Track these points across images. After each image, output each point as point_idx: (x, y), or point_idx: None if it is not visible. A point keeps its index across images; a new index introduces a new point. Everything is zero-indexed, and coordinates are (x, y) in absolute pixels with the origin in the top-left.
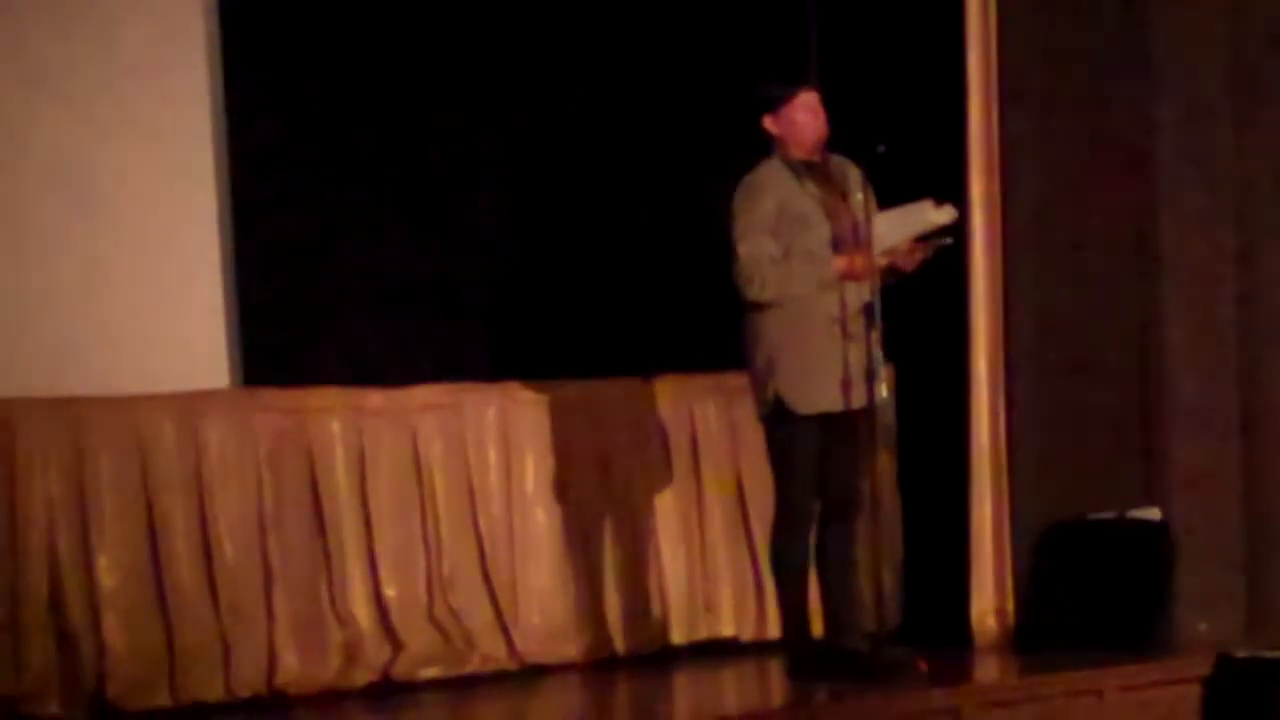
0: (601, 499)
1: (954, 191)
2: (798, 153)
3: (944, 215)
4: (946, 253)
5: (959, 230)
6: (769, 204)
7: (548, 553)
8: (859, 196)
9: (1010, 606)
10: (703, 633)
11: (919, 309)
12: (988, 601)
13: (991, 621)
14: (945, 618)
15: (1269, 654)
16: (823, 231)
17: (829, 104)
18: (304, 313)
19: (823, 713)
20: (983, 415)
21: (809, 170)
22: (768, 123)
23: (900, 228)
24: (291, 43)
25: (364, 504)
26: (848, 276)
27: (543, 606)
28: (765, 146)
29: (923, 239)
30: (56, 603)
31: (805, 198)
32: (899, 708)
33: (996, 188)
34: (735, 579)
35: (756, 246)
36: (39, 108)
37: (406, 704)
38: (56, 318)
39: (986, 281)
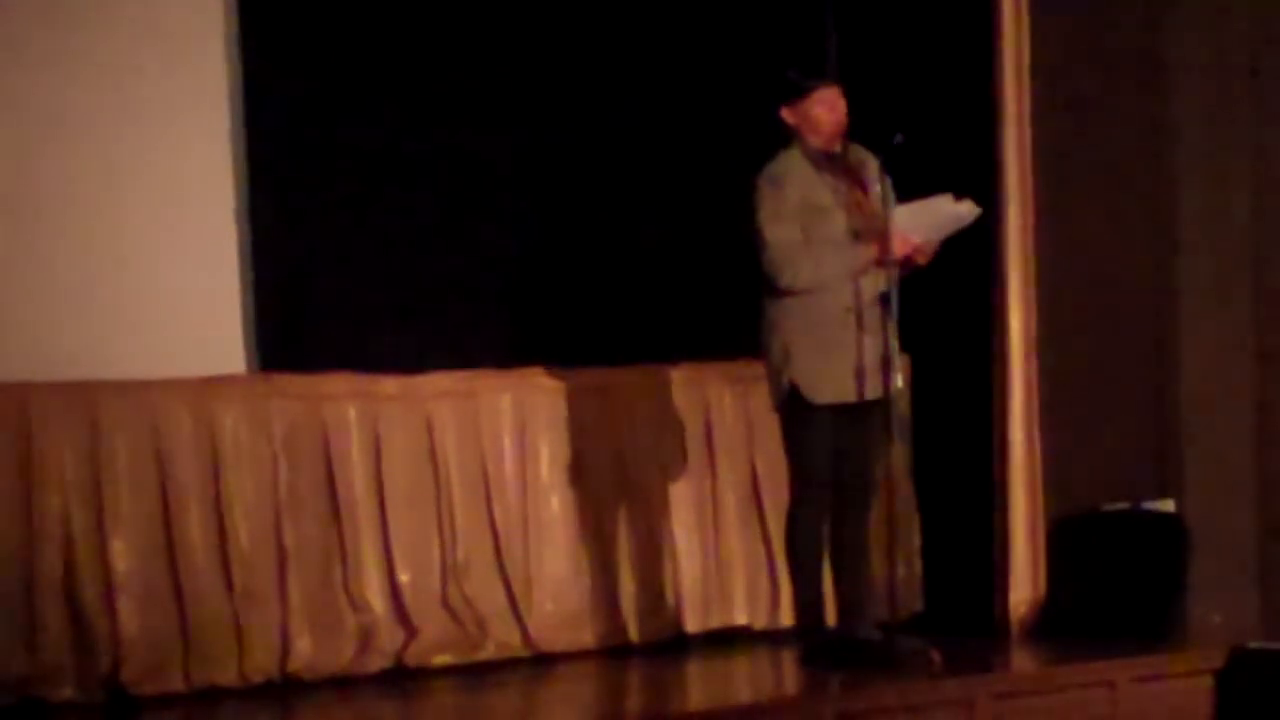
0: (616, 487)
1: (983, 181)
2: (815, 144)
3: (965, 210)
4: (965, 245)
5: (986, 223)
6: (790, 194)
7: (562, 540)
8: (878, 188)
9: (1039, 596)
10: (716, 621)
11: (935, 300)
12: (1020, 592)
13: (1022, 611)
14: (966, 608)
15: None
16: (841, 223)
17: (850, 94)
18: (320, 299)
19: (836, 702)
20: (1016, 408)
21: (828, 161)
22: (785, 113)
23: (919, 221)
24: (310, 30)
25: (379, 490)
26: (880, 263)
27: (556, 594)
28: (783, 136)
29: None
30: (71, 586)
31: (824, 189)
32: (912, 697)
33: (1029, 181)
34: (749, 567)
35: (785, 234)
36: (56, 96)
37: (420, 690)
38: (73, 303)
39: (1019, 276)
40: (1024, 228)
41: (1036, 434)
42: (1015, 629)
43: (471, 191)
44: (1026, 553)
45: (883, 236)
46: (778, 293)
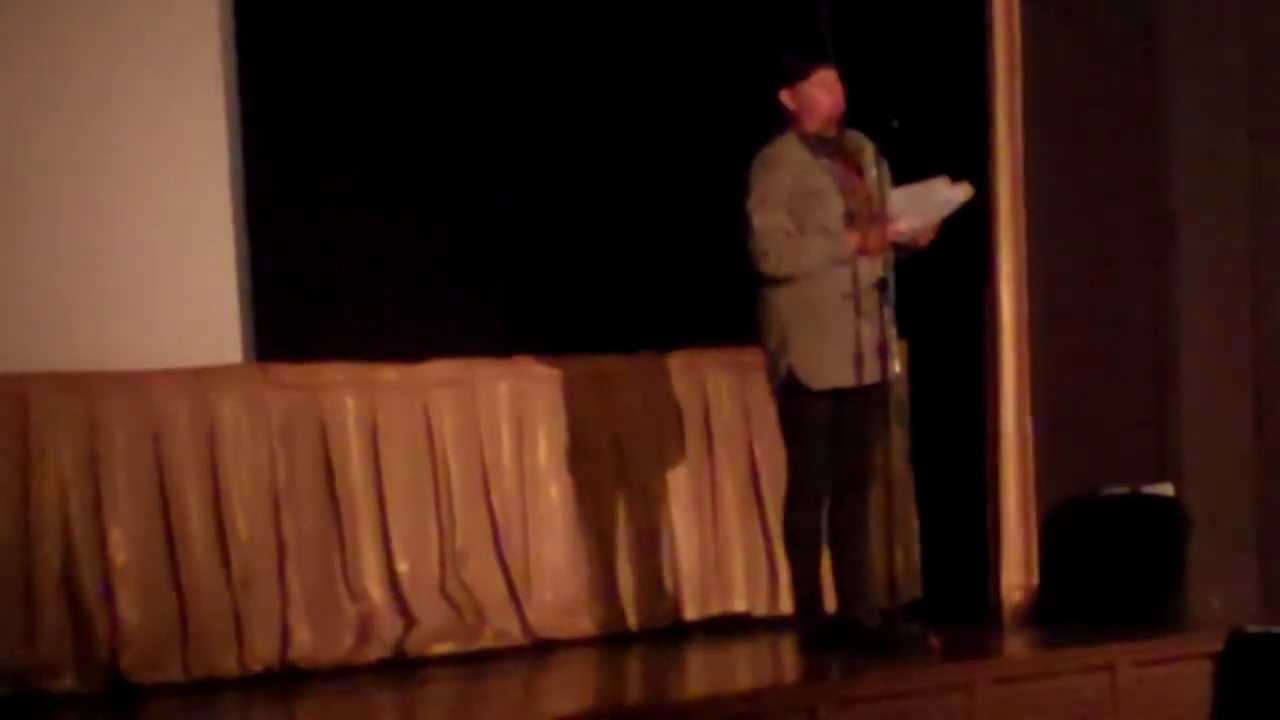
0: (614, 474)
1: (976, 166)
2: (813, 127)
3: (960, 193)
4: (963, 230)
5: (978, 207)
6: (784, 178)
7: (560, 528)
8: (874, 172)
9: (1032, 582)
10: (715, 608)
11: (934, 285)
12: (1012, 577)
13: (1016, 596)
14: (965, 593)
15: None
16: (836, 207)
17: (846, 79)
18: (317, 288)
19: (835, 688)
20: (1009, 392)
21: (824, 145)
22: (784, 97)
23: (915, 204)
24: (307, 19)
25: (377, 479)
26: (862, 252)
27: (555, 582)
28: (780, 121)
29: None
30: (70, 577)
31: (820, 173)
32: (911, 683)
33: (1022, 165)
34: (748, 554)
35: (771, 220)
36: (52, 85)
37: (419, 679)
38: (70, 293)
39: (1011, 257)
40: (1018, 211)
41: (1029, 418)
42: (1013, 614)
43: (468, 180)
44: (1022, 537)
45: (878, 221)
46: (774, 279)
